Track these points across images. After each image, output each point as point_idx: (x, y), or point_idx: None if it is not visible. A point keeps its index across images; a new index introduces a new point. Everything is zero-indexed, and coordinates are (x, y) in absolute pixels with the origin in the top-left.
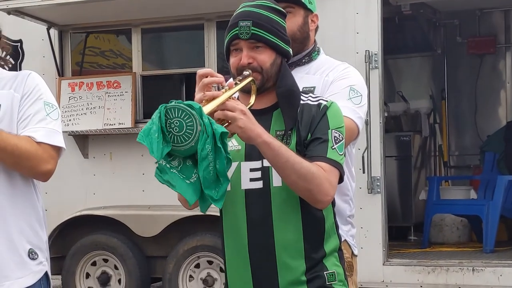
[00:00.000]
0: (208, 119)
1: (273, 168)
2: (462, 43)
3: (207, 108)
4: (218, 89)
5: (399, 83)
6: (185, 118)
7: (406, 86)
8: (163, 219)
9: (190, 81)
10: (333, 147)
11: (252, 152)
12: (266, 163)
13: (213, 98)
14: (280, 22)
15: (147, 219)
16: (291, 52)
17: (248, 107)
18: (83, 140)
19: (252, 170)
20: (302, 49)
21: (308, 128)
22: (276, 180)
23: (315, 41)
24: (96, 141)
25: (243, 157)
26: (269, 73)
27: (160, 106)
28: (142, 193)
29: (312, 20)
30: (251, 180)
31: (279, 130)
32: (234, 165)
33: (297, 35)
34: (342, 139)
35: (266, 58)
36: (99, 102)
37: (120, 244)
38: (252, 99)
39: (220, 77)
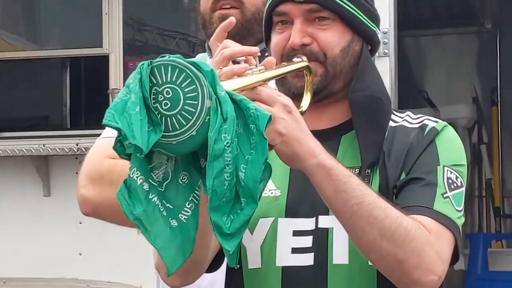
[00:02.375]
0: (228, 92)
1: (333, 231)
2: None
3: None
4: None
5: (422, 78)
6: (183, 85)
7: (434, 82)
8: None
9: (77, 69)
10: (445, 195)
11: (300, 203)
12: (323, 222)
13: (235, 76)
14: None
15: None
16: (379, 36)
17: (299, 110)
18: None
19: (297, 233)
20: None
21: (402, 164)
22: (339, 255)
23: None
24: None
25: (283, 210)
26: (338, 65)
27: (141, 64)
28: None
29: None
30: (295, 251)
31: (351, 167)
32: (267, 223)
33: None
34: (462, 185)
35: (335, 38)
36: None
37: None
38: (305, 102)
39: (254, 48)
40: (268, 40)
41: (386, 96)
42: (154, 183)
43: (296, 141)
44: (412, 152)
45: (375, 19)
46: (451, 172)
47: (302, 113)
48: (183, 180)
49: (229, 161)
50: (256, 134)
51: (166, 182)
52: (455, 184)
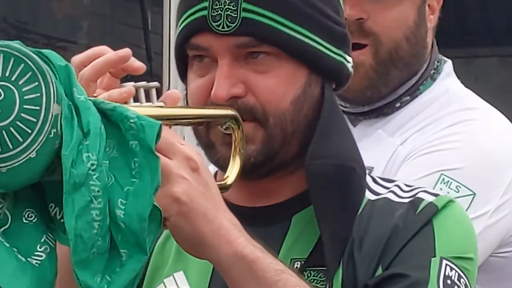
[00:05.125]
0: (92, 101)
1: None
2: None
3: None
4: (137, 95)
5: None
6: (20, 82)
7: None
8: None
9: None
10: None
11: None
12: None
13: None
14: None
15: None
16: (350, 67)
17: (220, 184)
18: None
19: None
20: (410, 75)
21: (379, 255)
22: None
23: (432, 51)
24: None
25: None
26: (289, 125)
27: None
28: None
29: (430, 7)
30: None
31: (302, 258)
32: None
33: (403, 46)
34: (468, 286)
35: (281, 85)
36: None
37: None
38: (232, 171)
39: (138, 64)
40: (184, 77)
41: (360, 163)
42: None
43: (201, 214)
44: (395, 238)
45: (341, 40)
46: (451, 268)
47: (225, 188)
48: (29, 218)
49: (98, 192)
50: (140, 153)
51: (4, 228)
52: (455, 287)
